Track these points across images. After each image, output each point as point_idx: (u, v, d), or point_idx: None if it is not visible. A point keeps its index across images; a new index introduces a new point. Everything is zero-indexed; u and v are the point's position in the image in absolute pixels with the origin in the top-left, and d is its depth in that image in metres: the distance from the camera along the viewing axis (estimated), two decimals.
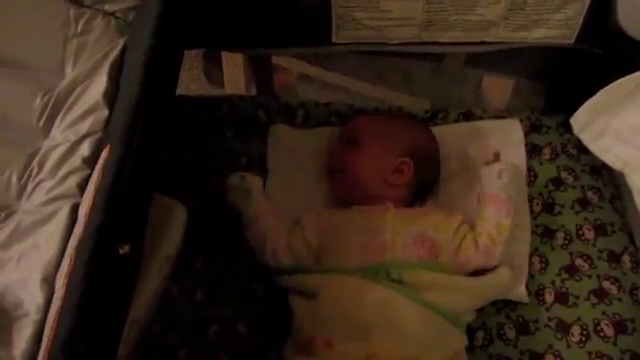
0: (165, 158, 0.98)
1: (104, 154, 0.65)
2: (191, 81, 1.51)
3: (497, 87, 1.23)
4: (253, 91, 1.19)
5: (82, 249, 0.56)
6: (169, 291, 0.89)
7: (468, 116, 1.06)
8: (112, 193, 0.58)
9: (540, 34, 0.91)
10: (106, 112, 0.75)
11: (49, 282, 0.62)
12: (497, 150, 0.92)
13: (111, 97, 0.76)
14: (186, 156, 1.01)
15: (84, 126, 0.74)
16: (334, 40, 0.91)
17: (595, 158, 0.88)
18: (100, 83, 0.77)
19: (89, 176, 0.70)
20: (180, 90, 1.18)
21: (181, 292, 0.89)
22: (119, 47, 0.80)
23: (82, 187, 0.69)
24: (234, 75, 1.33)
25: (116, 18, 0.84)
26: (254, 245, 0.89)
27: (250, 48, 0.99)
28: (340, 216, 0.90)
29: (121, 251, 0.57)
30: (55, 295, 0.59)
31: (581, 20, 0.88)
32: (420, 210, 0.93)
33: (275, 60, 1.18)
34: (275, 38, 0.93)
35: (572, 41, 0.91)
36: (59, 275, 0.60)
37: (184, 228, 0.85)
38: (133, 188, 0.61)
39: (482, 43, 0.92)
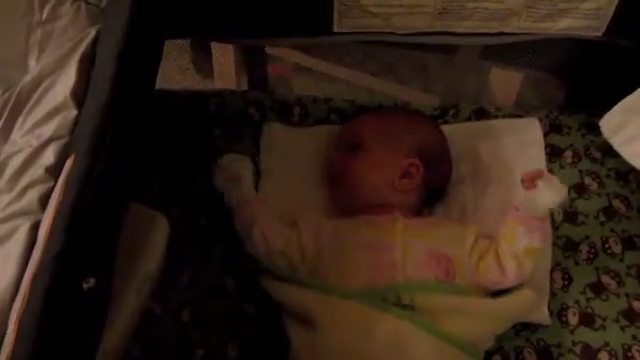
0: (145, 160, 0.88)
1: (68, 165, 0.56)
2: (178, 72, 1.41)
3: (505, 81, 1.14)
4: (245, 83, 1.09)
5: (37, 283, 0.47)
6: (151, 310, 0.80)
7: (481, 114, 0.97)
8: (75, 214, 0.49)
9: (566, 25, 0.82)
10: (74, 112, 0.66)
11: (3, 316, 0.53)
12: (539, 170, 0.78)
13: (80, 95, 0.67)
14: (170, 157, 0.92)
15: (49, 129, 0.65)
16: (335, 29, 0.82)
17: (621, 162, 0.81)
18: (68, 78, 0.68)
19: (53, 189, 0.60)
20: (165, 82, 1.10)
21: (164, 311, 0.81)
22: (90, 37, 0.71)
23: (44, 202, 0.59)
24: (224, 65, 1.23)
25: (87, 3, 0.74)
26: (242, 231, 0.81)
27: (240, 38, 0.89)
28: (343, 226, 0.81)
29: (85, 286, 0.48)
30: (6, 338, 0.49)
31: (612, 10, 0.79)
32: (431, 221, 0.84)
33: (269, 49, 1.08)
34: (268, 27, 0.83)
35: (601, 33, 0.83)
36: (12, 312, 0.51)
37: (166, 242, 0.75)
38: (101, 207, 0.52)
39: (500, 34, 0.83)
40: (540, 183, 0.73)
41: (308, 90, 1.31)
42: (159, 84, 1.08)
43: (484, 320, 0.73)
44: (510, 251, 0.76)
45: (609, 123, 0.77)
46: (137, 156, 0.64)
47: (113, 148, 0.56)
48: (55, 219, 0.49)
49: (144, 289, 0.70)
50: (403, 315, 0.68)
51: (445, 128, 0.93)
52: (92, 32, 0.71)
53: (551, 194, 0.73)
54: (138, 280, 0.70)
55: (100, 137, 0.56)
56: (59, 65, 0.69)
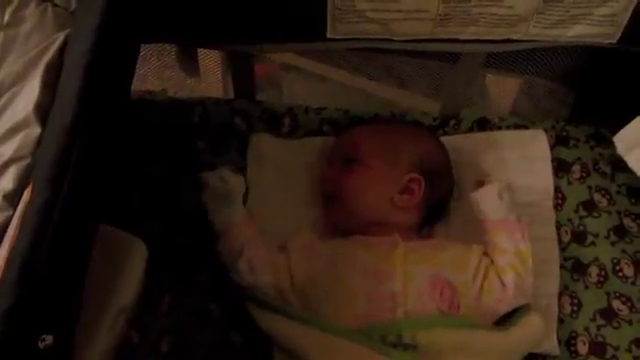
0: (123, 175, 0.81)
1: (25, 196, 0.49)
2: (163, 69, 1.34)
3: (502, 88, 1.08)
4: (231, 84, 1.02)
5: None
6: (128, 340, 0.73)
7: (484, 124, 0.92)
8: (30, 260, 0.42)
9: (578, 32, 0.76)
10: (38, 130, 0.59)
11: None
12: (484, 178, 0.81)
13: (45, 110, 0.60)
14: (150, 172, 0.85)
15: (9, 148, 0.58)
16: (329, 35, 0.76)
17: (633, 177, 0.77)
18: (31, 91, 0.61)
19: (11, 219, 0.53)
20: (150, 82, 1.02)
21: (143, 341, 0.74)
22: (57, 43, 0.64)
23: (1, 234, 0.52)
24: (210, 65, 1.16)
25: (54, 6, 0.68)
26: (227, 259, 0.75)
27: (226, 45, 0.82)
28: (337, 249, 0.75)
29: (41, 345, 0.41)
30: None
31: (628, 16, 0.74)
32: (433, 243, 0.78)
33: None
34: (256, 32, 0.76)
35: (615, 40, 0.77)
36: None
37: (144, 269, 0.69)
38: (64, 248, 0.45)
39: (507, 41, 0.77)
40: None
41: (298, 91, 1.24)
42: (145, 84, 1.03)
43: (492, 357, 0.67)
44: (505, 262, 0.74)
45: (624, 139, 0.73)
46: (109, 178, 0.57)
47: (79, 175, 0.49)
48: (7, 265, 0.42)
49: (117, 325, 0.63)
50: (404, 358, 0.62)
51: (445, 140, 0.88)
52: (60, 38, 0.64)
53: (490, 188, 0.76)
54: (111, 316, 0.63)
55: (63, 163, 0.49)
56: (22, 76, 0.62)
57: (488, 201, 0.76)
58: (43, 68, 0.62)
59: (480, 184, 0.79)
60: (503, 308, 0.72)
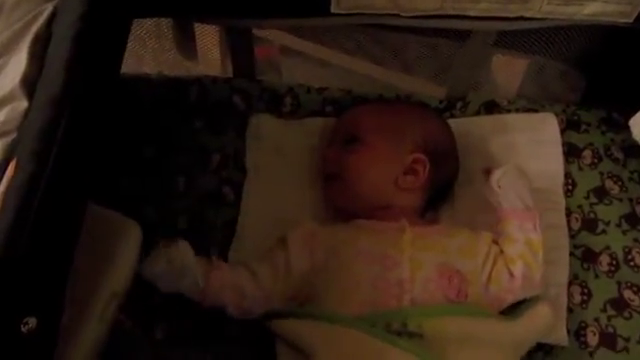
0: (115, 157, 0.78)
1: (9, 171, 0.46)
2: (161, 52, 1.30)
3: (509, 69, 1.05)
4: (230, 66, 0.99)
5: None
6: (121, 325, 0.71)
7: (491, 108, 0.88)
8: (11, 239, 0.39)
9: (593, 10, 0.73)
10: (25, 104, 0.56)
11: None
12: (490, 165, 0.77)
13: (32, 83, 0.57)
14: (144, 153, 0.82)
15: None
16: (333, 10, 0.72)
17: None
18: (18, 63, 0.58)
19: None
20: (147, 65, 0.99)
21: (136, 328, 0.71)
22: (46, 14, 0.61)
23: None
24: (209, 48, 1.13)
25: None
26: (216, 308, 0.70)
27: (224, 19, 0.78)
28: (340, 235, 0.72)
29: (24, 328, 0.38)
30: None
31: None
32: (440, 229, 0.75)
33: (257, 31, 0.98)
34: (256, 6, 0.73)
35: (632, 19, 0.74)
36: None
37: (138, 252, 0.66)
38: (48, 227, 0.42)
39: (519, 19, 0.74)
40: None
41: (299, 75, 1.21)
42: (141, 66, 1.00)
43: (499, 349, 0.65)
44: (514, 252, 0.71)
45: None
46: (99, 155, 0.54)
47: (66, 149, 0.46)
48: None
49: (109, 311, 0.61)
50: (410, 348, 0.60)
51: (452, 123, 0.85)
52: (48, 8, 0.61)
53: (503, 175, 0.73)
54: (103, 300, 0.60)
55: (49, 136, 0.46)
56: (8, 48, 0.59)
57: (506, 189, 0.72)
58: (30, 40, 0.59)
59: (487, 171, 0.75)
60: (510, 298, 0.70)
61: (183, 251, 0.68)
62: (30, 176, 0.43)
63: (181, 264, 0.67)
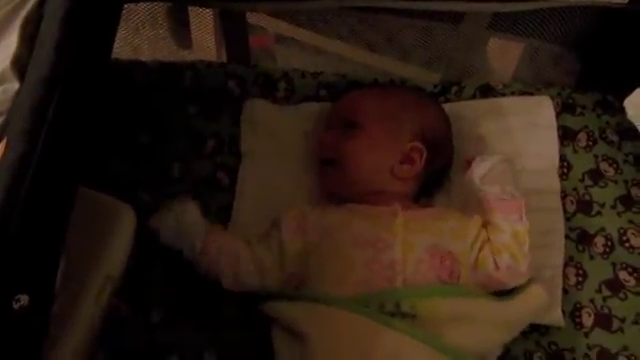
0: (110, 142, 0.77)
1: None
2: (156, 41, 1.29)
3: (504, 52, 1.04)
4: (225, 55, 0.98)
5: None
6: (117, 310, 0.71)
7: (487, 91, 0.88)
8: (3, 216, 0.39)
9: None
10: (16, 86, 0.55)
11: None
12: (470, 157, 0.75)
13: (23, 65, 0.56)
14: (139, 139, 0.82)
15: None
16: None
17: None
18: (9, 45, 0.57)
19: None
20: (141, 53, 0.98)
21: (132, 312, 0.71)
22: None
23: None
24: (203, 36, 1.12)
25: None
26: (210, 275, 0.71)
27: (217, 1, 0.78)
28: (333, 218, 0.72)
29: (16, 305, 0.38)
30: None
31: None
32: (433, 212, 0.75)
33: (251, 18, 0.97)
34: None
35: (626, 1, 0.73)
36: None
37: (132, 236, 0.66)
38: (38, 206, 0.42)
39: (514, 0, 0.73)
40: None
41: (294, 63, 1.20)
42: (136, 54, 0.99)
43: (492, 327, 0.65)
44: (499, 242, 0.70)
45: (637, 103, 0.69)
46: (90, 137, 0.54)
47: (57, 129, 0.46)
48: None
49: (104, 295, 0.60)
50: (403, 328, 0.60)
51: (447, 107, 0.85)
52: None
53: (482, 164, 0.72)
54: (97, 284, 0.60)
55: (40, 116, 0.45)
56: None
57: (491, 183, 0.71)
58: (21, 21, 0.58)
59: (468, 163, 0.74)
60: (495, 286, 0.69)
61: (191, 211, 0.70)
62: (20, 155, 0.43)
63: (187, 223, 0.69)
